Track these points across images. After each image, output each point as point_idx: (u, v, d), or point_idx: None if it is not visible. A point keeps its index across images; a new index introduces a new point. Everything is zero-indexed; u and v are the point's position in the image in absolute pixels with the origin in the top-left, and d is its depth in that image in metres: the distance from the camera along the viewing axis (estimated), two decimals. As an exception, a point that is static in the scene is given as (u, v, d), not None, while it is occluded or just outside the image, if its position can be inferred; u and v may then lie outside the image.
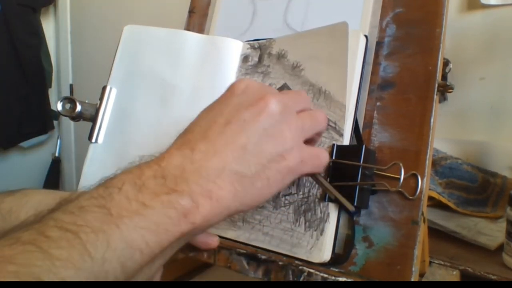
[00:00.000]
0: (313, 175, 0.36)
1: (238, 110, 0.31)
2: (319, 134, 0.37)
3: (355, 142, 0.42)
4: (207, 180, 0.28)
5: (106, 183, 0.28)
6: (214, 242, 0.42)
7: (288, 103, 0.32)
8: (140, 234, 0.25)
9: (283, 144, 0.31)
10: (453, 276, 0.50)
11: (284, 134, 0.31)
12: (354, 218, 0.41)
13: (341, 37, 0.41)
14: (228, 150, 0.29)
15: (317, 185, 0.41)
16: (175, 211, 0.27)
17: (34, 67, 1.35)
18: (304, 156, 0.32)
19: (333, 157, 0.40)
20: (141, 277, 0.29)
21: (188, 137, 0.31)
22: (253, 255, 0.42)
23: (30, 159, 1.52)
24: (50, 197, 0.39)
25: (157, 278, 0.34)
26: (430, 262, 0.51)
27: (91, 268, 0.24)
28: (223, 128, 0.30)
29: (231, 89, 0.33)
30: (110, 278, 0.24)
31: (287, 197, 0.42)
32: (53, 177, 1.53)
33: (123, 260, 0.25)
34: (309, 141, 0.36)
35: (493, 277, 0.50)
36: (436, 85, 0.41)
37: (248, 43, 0.49)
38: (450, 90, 0.41)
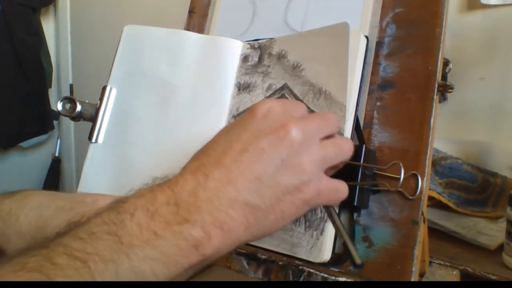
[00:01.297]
0: (327, 208, 0.34)
1: (256, 137, 0.29)
2: (342, 163, 0.35)
3: (355, 142, 0.42)
4: (219, 210, 0.27)
5: (118, 208, 0.27)
6: None
7: (311, 131, 0.31)
8: (149, 265, 0.25)
9: (301, 176, 0.29)
10: (453, 276, 0.50)
11: (303, 166, 0.29)
12: (354, 218, 0.41)
13: (342, 37, 0.41)
14: (242, 180, 0.28)
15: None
16: (186, 243, 0.26)
17: (34, 67, 1.35)
18: (322, 189, 0.31)
19: (333, 157, 0.40)
20: None
21: (203, 161, 0.29)
22: (253, 255, 0.42)
23: (30, 159, 1.52)
24: (50, 199, 0.39)
25: None
26: (430, 262, 0.51)
27: None
28: (239, 156, 0.29)
29: (252, 111, 0.31)
30: None
31: (287, 197, 0.42)
32: (53, 177, 1.53)
33: None
34: (331, 167, 0.34)
35: (493, 277, 0.50)
36: (436, 85, 0.41)
37: (248, 43, 0.49)
38: (450, 90, 0.41)
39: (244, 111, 0.46)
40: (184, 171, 0.29)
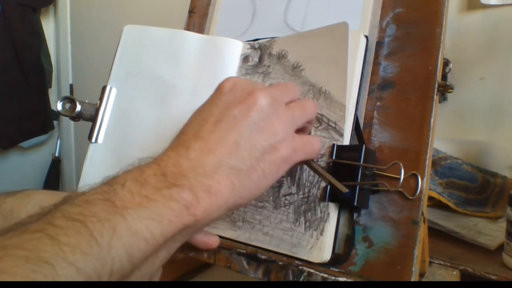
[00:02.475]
0: (307, 162, 0.37)
1: (227, 108, 0.32)
2: (310, 123, 0.38)
3: (355, 142, 0.42)
4: (205, 176, 0.29)
5: (109, 182, 0.29)
6: (214, 242, 0.42)
7: (276, 96, 0.33)
8: (145, 224, 0.26)
9: (274, 136, 0.32)
10: (453, 276, 0.50)
11: (274, 126, 0.32)
12: (354, 218, 0.41)
13: (341, 37, 0.41)
14: (221, 147, 0.30)
15: (317, 185, 0.41)
16: (177, 204, 0.28)
17: (34, 67, 1.35)
18: (296, 145, 0.33)
19: (333, 157, 0.40)
20: (146, 270, 0.30)
21: (182, 138, 0.32)
22: (253, 255, 0.42)
23: (30, 159, 1.52)
24: (51, 198, 0.39)
25: (156, 278, 0.34)
26: (430, 262, 0.51)
27: (98, 254, 0.24)
28: (214, 127, 0.31)
29: (219, 88, 0.34)
30: (116, 265, 0.25)
31: (287, 197, 0.42)
32: (53, 177, 1.53)
33: (128, 249, 0.26)
34: (301, 130, 0.37)
35: (493, 277, 0.50)
36: (436, 85, 0.41)
37: (248, 43, 0.49)
38: (450, 90, 0.41)
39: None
40: (166, 150, 0.31)
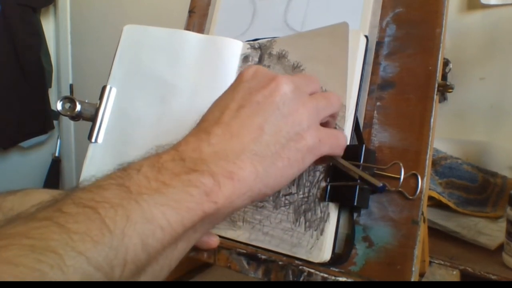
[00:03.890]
0: (332, 157, 0.35)
1: (250, 93, 0.31)
2: (333, 117, 0.36)
3: (355, 142, 0.42)
4: (227, 161, 0.27)
5: (124, 167, 0.27)
6: (214, 242, 0.42)
7: (299, 84, 0.32)
8: (161, 211, 0.25)
9: (299, 123, 0.30)
10: (453, 276, 0.50)
11: (299, 112, 0.31)
12: (354, 218, 0.41)
13: (342, 37, 0.41)
14: (245, 132, 0.29)
15: (317, 185, 0.41)
16: (196, 189, 0.26)
17: (34, 67, 1.35)
18: (322, 136, 0.32)
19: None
20: (164, 261, 0.28)
21: (202, 125, 0.30)
22: (253, 255, 0.42)
23: (30, 159, 1.52)
24: (52, 196, 0.39)
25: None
26: (430, 262, 0.51)
27: (110, 242, 0.22)
28: (236, 113, 0.30)
29: (240, 76, 0.33)
30: (131, 254, 0.23)
31: (287, 197, 0.42)
32: (53, 177, 1.53)
33: (143, 237, 0.24)
34: (324, 124, 0.35)
35: (493, 277, 0.50)
36: (436, 85, 0.41)
37: (248, 43, 0.49)
38: (450, 90, 0.41)
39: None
40: (186, 136, 0.30)
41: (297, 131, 0.30)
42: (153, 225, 0.24)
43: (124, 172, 0.26)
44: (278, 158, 0.29)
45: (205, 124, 0.30)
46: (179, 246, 0.28)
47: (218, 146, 0.28)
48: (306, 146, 0.31)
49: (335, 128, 0.40)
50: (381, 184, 0.35)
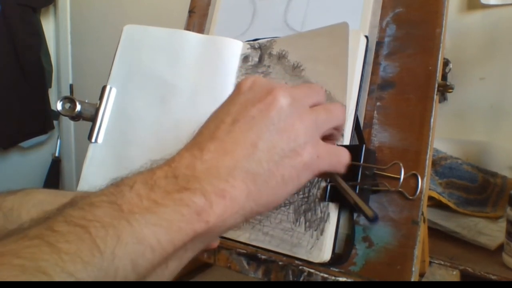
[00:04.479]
0: (331, 175, 0.34)
1: (245, 107, 0.30)
2: (338, 129, 0.35)
3: (355, 142, 0.42)
4: (219, 179, 0.27)
5: (117, 183, 0.27)
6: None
7: (298, 96, 0.31)
8: (152, 231, 0.24)
9: (295, 138, 0.29)
10: (453, 276, 0.50)
11: (295, 128, 0.30)
12: (354, 218, 0.41)
13: (342, 37, 0.41)
14: (238, 148, 0.28)
15: (317, 185, 0.41)
16: (187, 209, 0.26)
17: (34, 67, 1.35)
18: (321, 152, 0.31)
19: (333, 157, 0.40)
20: (154, 280, 0.28)
21: (197, 139, 0.30)
22: (253, 255, 0.42)
23: (30, 159, 1.52)
24: (52, 196, 0.39)
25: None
26: (430, 262, 0.51)
27: (100, 263, 0.23)
28: (231, 127, 0.29)
29: (237, 87, 0.32)
30: (120, 275, 0.23)
31: (287, 197, 0.42)
32: (53, 177, 1.53)
33: (133, 257, 0.24)
34: (328, 138, 0.34)
35: (493, 277, 0.50)
36: (436, 85, 0.41)
37: (248, 43, 0.49)
38: (450, 90, 0.41)
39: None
40: (180, 150, 0.29)
41: (293, 147, 0.29)
42: (143, 245, 0.24)
43: (117, 189, 0.26)
44: (272, 176, 0.29)
45: (200, 139, 0.30)
46: (170, 265, 0.28)
47: (210, 162, 0.28)
48: (302, 163, 0.30)
49: (341, 140, 0.39)
50: (374, 215, 0.34)
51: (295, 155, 0.29)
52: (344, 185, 0.34)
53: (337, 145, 0.38)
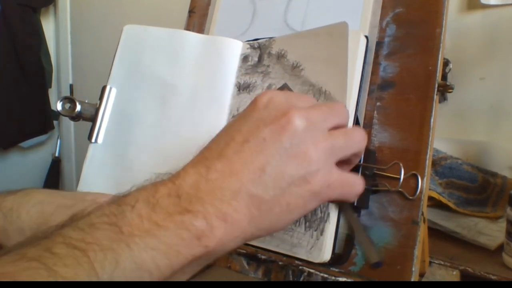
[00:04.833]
0: (342, 204, 0.33)
1: (258, 127, 0.28)
2: (357, 156, 0.33)
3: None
4: (222, 201, 0.26)
5: (119, 201, 0.26)
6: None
7: (316, 119, 0.29)
8: (150, 255, 0.24)
9: (307, 166, 0.28)
10: (453, 276, 0.50)
11: (308, 154, 0.28)
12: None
13: (341, 37, 0.41)
14: (245, 171, 0.27)
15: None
16: (188, 233, 0.25)
17: (34, 67, 1.35)
18: (333, 181, 0.29)
19: (333, 157, 0.40)
20: None
21: (205, 154, 0.29)
22: (253, 255, 0.42)
23: (30, 159, 1.52)
24: (52, 196, 0.39)
25: None
26: (430, 262, 0.51)
27: None
28: (240, 147, 0.28)
29: (253, 103, 0.30)
30: None
31: (287, 197, 0.42)
32: (53, 177, 1.53)
33: (131, 281, 0.24)
34: (344, 163, 0.33)
35: (493, 277, 0.50)
36: (436, 85, 0.41)
37: (248, 43, 0.49)
38: (450, 90, 0.41)
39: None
40: (187, 165, 0.29)
41: (302, 175, 0.28)
42: (141, 270, 0.24)
43: (118, 208, 0.26)
44: (276, 203, 0.27)
45: (208, 154, 0.29)
46: None
47: (216, 183, 0.27)
48: (311, 192, 0.28)
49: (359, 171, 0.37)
50: (376, 262, 0.34)
51: (304, 183, 0.28)
52: (354, 221, 0.33)
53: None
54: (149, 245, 0.24)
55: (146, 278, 0.24)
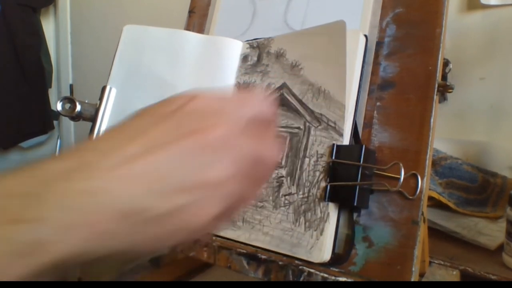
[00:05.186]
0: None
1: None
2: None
3: (354, 142, 0.42)
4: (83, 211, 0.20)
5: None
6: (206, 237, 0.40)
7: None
8: None
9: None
10: (453, 276, 0.50)
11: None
12: (354, 218, 0.41)
13: (339, 36, 0.41)
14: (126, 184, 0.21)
15: (317, 185, 0.41)
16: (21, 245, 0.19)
17: (34, 67, 1.35)
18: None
19: (333, 157, 0.40)
20: None
21: (87, 156, 0.22)
22: (253, 255, 0.42)
23: (30, 159, 1.52)
24: None
25: None
26: (430, 262, 0.51)
27: None
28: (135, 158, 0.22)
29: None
30: None
31: (287, 197, 0.42)
32: (53, 177, 1.53)
33: None
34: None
35: (493, 277, 0.50)
36: (436, 85, 0.41)
37: (248, 43, 0.49)
38: (450, 90, 0.41)
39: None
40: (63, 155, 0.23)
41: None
42: None
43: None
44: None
45: (90, 156, 0.22)
46: None
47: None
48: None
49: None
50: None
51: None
52: None
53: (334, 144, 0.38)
54: None
55: None
